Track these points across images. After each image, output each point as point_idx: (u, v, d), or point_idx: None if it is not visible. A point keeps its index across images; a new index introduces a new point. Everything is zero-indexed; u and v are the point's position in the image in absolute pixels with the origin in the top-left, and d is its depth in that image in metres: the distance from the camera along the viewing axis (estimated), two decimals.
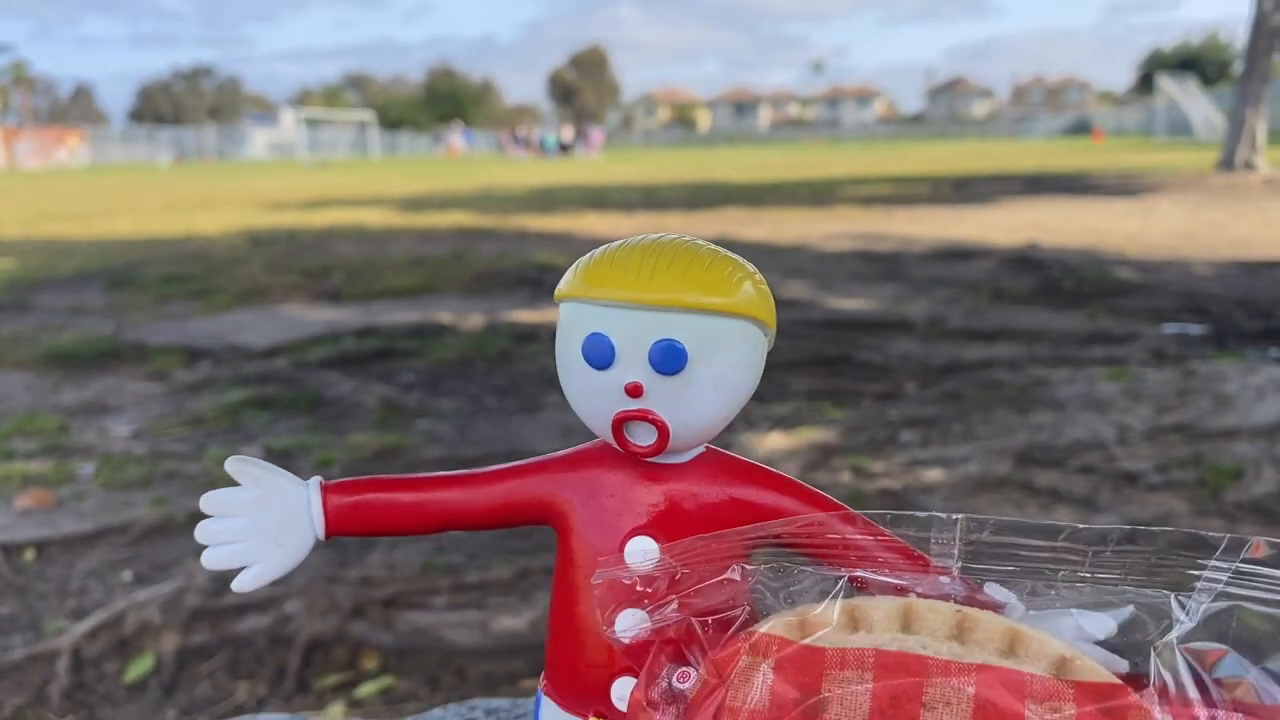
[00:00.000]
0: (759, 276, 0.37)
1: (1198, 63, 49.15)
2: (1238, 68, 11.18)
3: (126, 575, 1.71)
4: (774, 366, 2.35)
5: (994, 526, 0.32)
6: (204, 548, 0.40)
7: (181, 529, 1.89)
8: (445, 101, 59.28)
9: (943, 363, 2.89)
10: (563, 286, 0.37)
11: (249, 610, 1.59)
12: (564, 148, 33.65)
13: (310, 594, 1.62)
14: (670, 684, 0.32)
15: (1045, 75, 78.81)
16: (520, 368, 2.99)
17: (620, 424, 0.36)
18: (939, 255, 5.17)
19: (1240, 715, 0.29)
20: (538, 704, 0.40)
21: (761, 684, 0.31)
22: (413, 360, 3.09)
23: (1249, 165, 10.44)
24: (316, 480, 0.40)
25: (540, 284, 4.47)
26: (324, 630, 1.54)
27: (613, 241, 0.37)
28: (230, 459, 0.40)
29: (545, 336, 3.37)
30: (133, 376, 3.00)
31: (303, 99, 61.67)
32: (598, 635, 0.36)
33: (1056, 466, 2.07)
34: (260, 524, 0.40)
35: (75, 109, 60.05)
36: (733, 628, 0.32)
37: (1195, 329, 3.26)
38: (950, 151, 24.36)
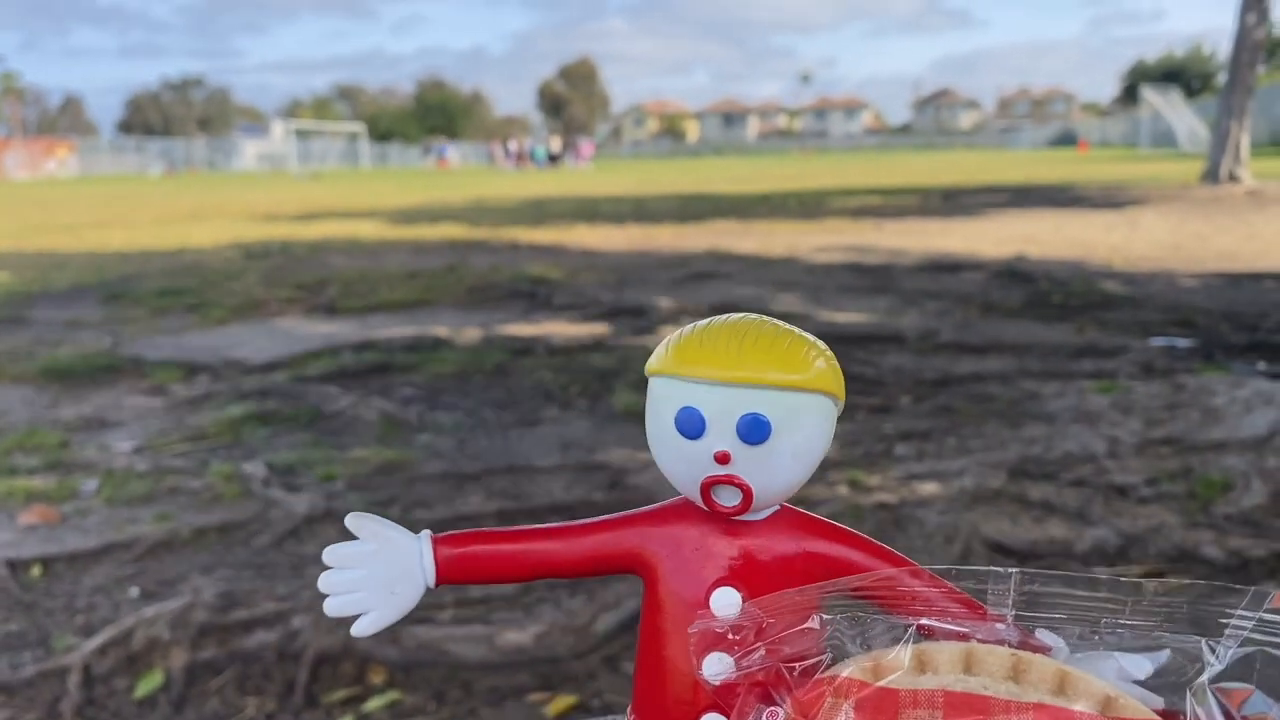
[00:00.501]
0: (830, 354, 0.41)
1: (1181, 74, 49.57)
2: (1221, 79, 11.32)
3: (134, 591, 1.73)
4: None
5: (1044, 579, 0.36)
6: (325, 596, 0.43)
7: (186, 544, 1.90)
8: (435, 113, 59.33)
9: (935, 376, 2.93)
10: (654, 363, 0.41)
11: (257, 626, 1.62)
12: (553, 158, 33.73)
13: (317, 609, 1.64)
14: None
15: (1030, 87, 79.22)
16: (517, 381, 3.01)
17: (709, 488, 0.40)
18: (929, 268, 5.22)
19: None
20: None
21: None
22: (411, 374, 3.11)
23: (1233, 177, 10.55)
24: (427, 534, 0.44)
25: (534, 297, 4.50)
26: (331, 645, 1.56)
27: (699, 321, 0.41)
28: (350, 515, 0.43)
29: (541, 350, 3.40)
30: (132, 391, 3.01)
31: (293, 110, 61.63)
32: (685, 676, 0.40)
33: (1049, 479, 2.10)
34: (377, 575, 0.43)
35: (64, 120, 59.88)
36: (814, 672, 0.36)
37: (1182, 342, 3.31)
38: (937, 162, 24.50)
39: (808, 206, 9.82)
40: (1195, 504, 1.97)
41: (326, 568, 0.43)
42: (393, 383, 3.03)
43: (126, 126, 60.37)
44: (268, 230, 8.29)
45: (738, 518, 0.41)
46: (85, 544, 1.89)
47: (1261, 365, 2.96)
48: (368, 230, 8.24)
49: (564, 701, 1.41)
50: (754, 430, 0.38)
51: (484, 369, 3.15)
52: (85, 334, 3.90)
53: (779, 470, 0.39)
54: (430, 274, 5.38)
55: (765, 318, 0.41)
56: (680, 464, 0.40)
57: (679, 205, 10.47)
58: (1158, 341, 3.33)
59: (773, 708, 0.36)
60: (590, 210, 10.01)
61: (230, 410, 2.73)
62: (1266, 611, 0.34)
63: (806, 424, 0.39)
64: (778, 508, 0.43)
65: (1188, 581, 0.35)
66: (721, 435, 0.39)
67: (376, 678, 1.51)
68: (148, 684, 1.48)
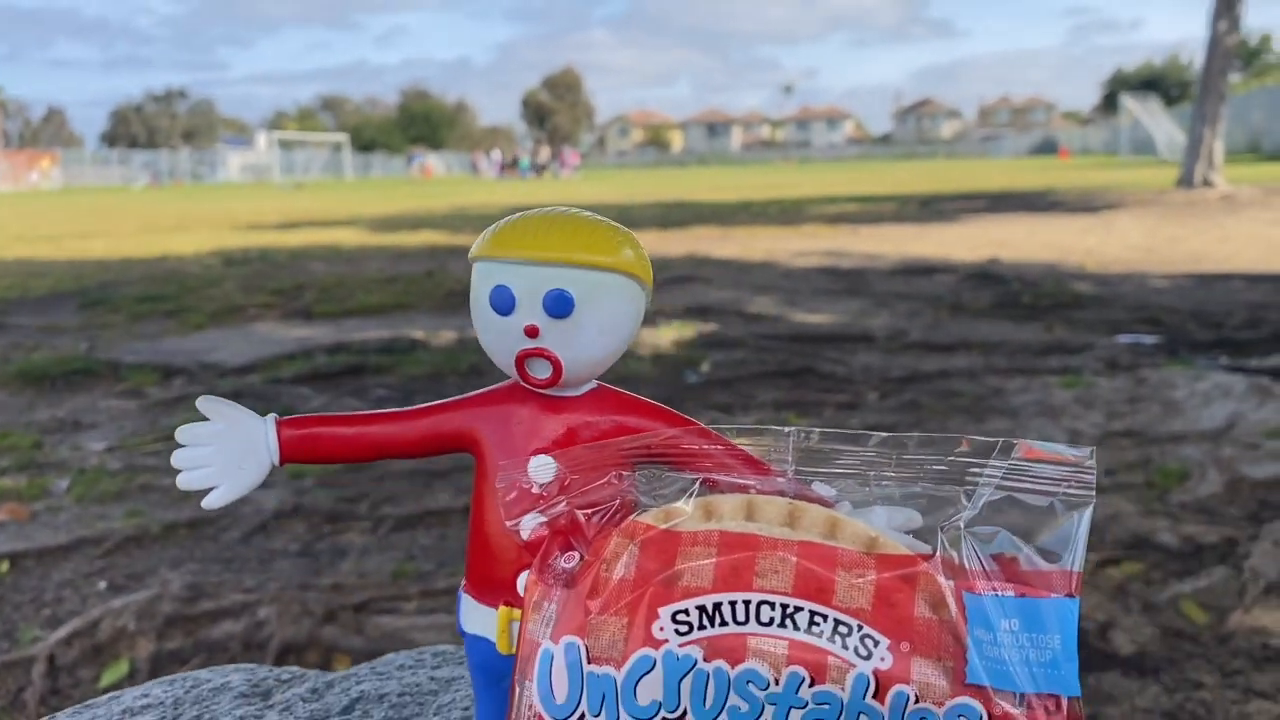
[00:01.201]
0: (637, 243, 0.45)
1: (1160, 83, 50.04)
2: (1198, 87, 11.44)
3: (101, 585, 1.74)
4: (740, 378, 2.44)
5: (820, 436, 0.40)
6: (177, 476, 0.47)
7: (156, 540, 1.92)
8: (419, 123, 59.32)
9: (903, 374, 2.97)
10: (474, 249, 0.45)
11: (223, 617, 1.63)
12: (539, 169, 33.77)
13: (282, 600, 1.66)
14: (559, 564, 0.40)
15: (1011, 96, 79.81)
16: (491, 381, 3.03)
17: (521, 360, 0.44)
18: (902, 271, 5.28)
19: (1011, 583, 0.36)
20: (459, 601, 0.48)
21: (629, 560, 0.38)
22: (385, 376, 3.13)
23: (1207, 182, 10.67)
24: (273, 416, 0.47)
25: None
26: (296, 635, 1.58)
27: (516, 212, 0.45)
28: (201, 398, 0.47)
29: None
30: (106, 394, 3.02)
31: (277, 121, 61.53)
32: (505, 538, 0.44)
33: None
34: (225, 451, 0.46)
35: (47, 132, 59.60)
36: (611, 520, 0.40)
37: (1148, 339, 3.36)
38: (918, 171, 24.66)
39: (787, 213, 9.89)
40: (1152, 493, 2.01)
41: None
42: (366, 384, 3.04)
43: (110, 139, 60.12)
44: (249, 239, 8.29)
45: (554, 392, 0.45)
46: (54, 540, 1.91)
47: (1223, 360, 3.01)
48: (348, 238, 8.25)
49: None
50: (559, 305, 0.42)
51: (458, 370, 3.17)
52: (62, 339, 3.90)
53: (585, 344, 0.43)
54: (408, 279, 5.40)
55: (579, 210, 0.45)
56: (495, 339, 0.44)
57: (661, 213, 10.52)
58: (1124, 339, 3.38)
59: (571, 552, 0.39)
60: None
61: None
62: (1015, 461, 0.37)
63: (609, 301, 0.43)
64: (595, 385, 0.46)
65: (946, 435, 0.39)
66: (530, 310, 0.42)
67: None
68: (113, 673, 1.49)
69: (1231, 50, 10.92)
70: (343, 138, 39.64)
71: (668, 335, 3.57)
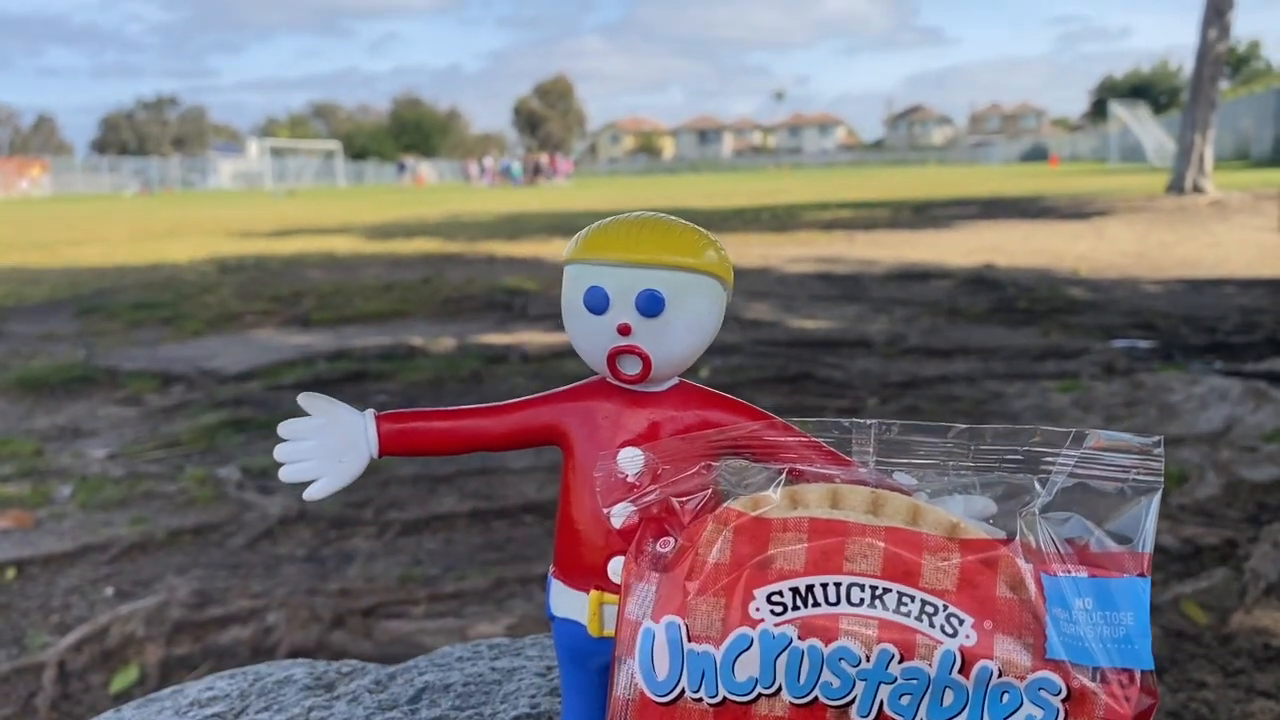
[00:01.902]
0: (721, 247, 0.47)
1: (1149, 90, 50.32)
2: (1187, 94, 11.51)
3: (108, 591, 1.74)
4: (740, 384, 2.45)
5: (900, 429, 0.43)
6: (280, 469, 0.48)
7: (161, 546, 1.92)
8: (411, 130, 59.31)
9: (902, 379, 2.99)
10: (568, 252, 0.47)
11: (231, 622, 1.64)
12: (537, 170, 33.83)
13: (291, 605, 1.67)
14: (655, 549, 0.42)
15: (1001, 103, 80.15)
16: (491, 387, 3.05)
17: (613, 357, 0.46)
18: (898, 276, 5.30)
19: (1084, 565, 0.39)
20: (549, 586, 0.49)
21: (724, 545, 0.41)
22: (385, 382, 3.14)
23: (1197, 188, 10.73)
24: (371, 410, 0.49)
25: (510, 307, 4.54)
26: (305, 640, 1.59)
27: (605, 218, 0.47)
28: (302, 394, 0.49)
29: (515, 358, 3.43)
30: (106, 401, 3.02)
31: (268, 129, 61.44)
32: (597, 525, 0.46)
33: None
34: (326, 445, 0.48)
35: (37, 140, 59.43)
36: (703, 508, 0.42)
37: (1143, 344, 3.38)
38: (910, 177, 24.75)
39: (781, 220, 9.92)
40: None
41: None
42: (367, 390, 3.05)
43: (101, 146, 59.99)
44: (243, 246, 8.29)
45: (641, 388, 0.47)
46: (60, 547, 1.91)
47: (1218, 364, 3.04)
48: (343, 245, 8.25)
49: None
50: (651, 304, 0.44)
51: (458, 376, 3.18)
52: (60, 346, 3.90)
53: (674, 341, 0.45)
54: (405, 286, 5.40)
55: (664, 214, 0.47)
56: (589, 338, 0.46)
57: None
58: (1119, 343, 3.40)
59: (665, 538, 0.41)
60: (567, 224, 10.05)
61: (205, 418, 2.74)
62: (1086, 450, 0.39)
63: (696, 301, 0.45)
64: (677, 381, 0.48)
65: (1020, 427, 0.41)
66: (623, 309, 0.45)
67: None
68: (123, 679, 1.50)
69: (1221, 57, 10.99)
70: (335, 145, 39.62)
71: None
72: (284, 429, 0.48)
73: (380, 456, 0.48)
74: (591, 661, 0.46)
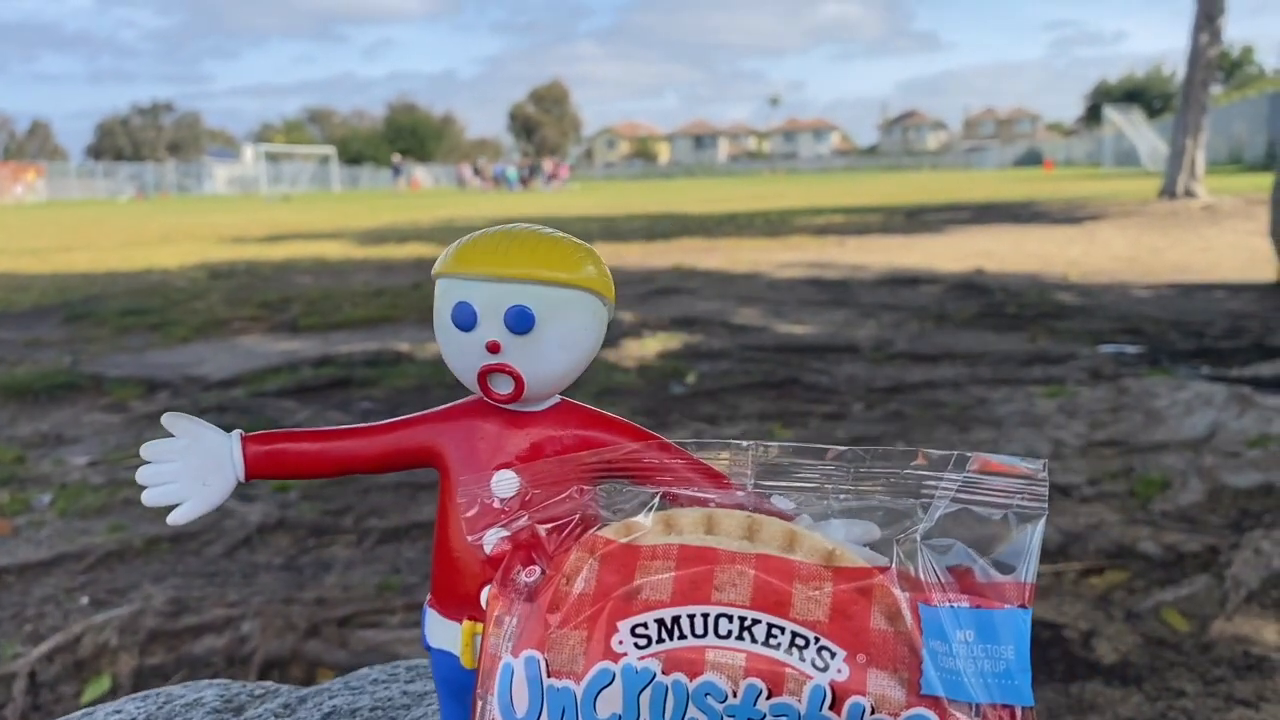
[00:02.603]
0: (599, 259, 0.46)
1: (1143, 94, 50.47)
2: (1180, 99, 11.54)
3: (83, 600, 1.73)
4: (726, 389, 2.44)
5: (778, 450, 0.41)
6: (143, 492, 0.47)
7: (139, 554, 1.91)
8: (406, 135, 59.32)
9: (888, 384, 2.98)
10: (437, 266, 0.45)
11: (206, 631, 1.63)
12: (532, 173, 33.85)
13: (266, 614, 1.65)
14: (520, 579, 0.40)
15: (996, 108, 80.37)
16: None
17: (484, 376, 0.44)
18: (887, 282, 5.30)
19: (966, 595, 0.37)
20: (424, 616, 0.48)
21: (589, 574, 0.39)
22: (370, 389, 3.13)
23: (1189, 193, 10.76)
24: (238, 432, 0.47)
25: None
26: (280, 650, 1.58)
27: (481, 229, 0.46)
28: (166, 415, 0.47)
29: None
30: (90, 408, 3.01)
31: (263, 134, 61.41)
32: (469, 553, 0.44)
33: None
34: (190, 467, 0.46)
35: (32, 145, 59.36)
36: (572, 535, 0.41)
37: (1131, 349, 3.38)
38: (903, 182, 24.80)
39: (773, 225, 9.92)
40: (1135, 502, 2.02)
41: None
42: (351, 397, 3.04)
43: (96, 151, 59.92)
44: (234, 252, 8.27)
45: (517, 407, 0.45)
46: (36, 555, 1.90)
47: (1205, 369, 3.03)
48: (334, 250, 8.24)
49: None
50: (520, 321, 0.43)
51: (445, 382, 3.17)
52: (45, 353, 3.88)
53: (547, 360, 0.44)
54: (395, 291, 5.39)
55: (541, 227, 0.45)
56: (458, 355, 0.45)
57: (647, 224, 10.54)
58: (1106, 349, 3.40)
59: (532, 566, 0.39)
60: (560, 230, 10.04)
61: None
62: (969, 474, 0.38)
63: (570, 317, 0.44)
64: (558, 400, 0.47)
65: (902, 449, 0.39)
66: (491, 326, 0.43)
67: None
68: (95, 689, 1.48)
69: (1213, 62, 11.02)
70: (330, 150, 39.60)
71: (653, 347, 3.58)
72: (146, 450, 0.46)
73: (247, 480, 0.47)
74: (468, 694, 0.44)
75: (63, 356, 3.79)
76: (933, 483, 0.39)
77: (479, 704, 0.39)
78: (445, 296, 0.44)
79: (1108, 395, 2.75)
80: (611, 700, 0.37)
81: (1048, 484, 0.38)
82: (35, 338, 4.24)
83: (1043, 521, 0.38)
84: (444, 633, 0.46)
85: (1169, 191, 10.99)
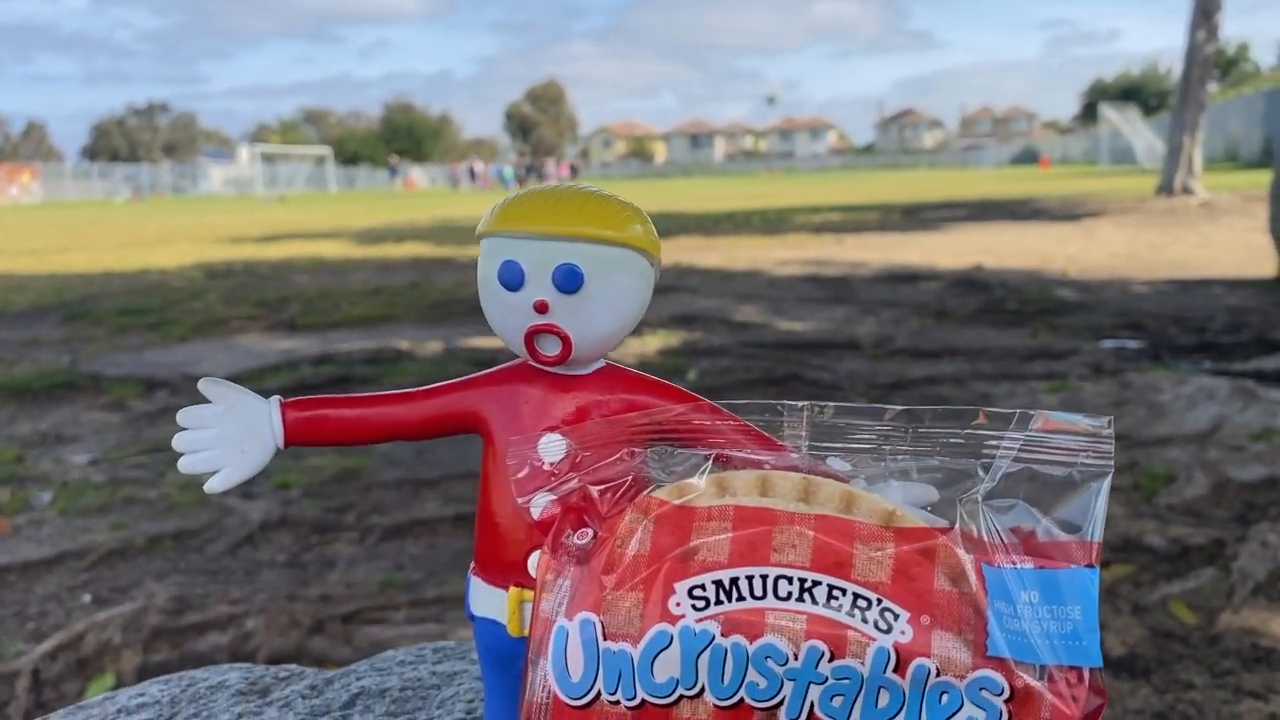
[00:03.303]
0: (646, 218, 0.44)
1: (1139, 92, 50.52)
2: (1177, 96, 11.55)
3: (86, 598, 1.72)
4: (726, 386, 2.43)
5: (834, 411, 0.40)
6: (179, 459, 0.46)
7: (141, 552, 1.90)
8: (403, 135, 59.26)
9: (889, 380, 2.98)
10: (482, 225, 0.44)
11: (209, 629, 1.62)
12: (529, 172, 33.86)
13: (270, 611, 1.65)
14: (572, 542, 0.39)
15: (992, 106, 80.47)
16: None
17: (531, 337, 0.43)
18: (887, 279, 5.30)
19: (1030, 555, 0.36)
20: (468, 584, 0.46)
21: (644, 535, 0.38)
22: (370, 387, 3.12)
23: (1186, 189, 10.77)
24: (276, 398, 0.46)
25: None
26: (284, 647, 1.57)
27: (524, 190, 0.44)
28: (203, 380, 0.46)
29: (503, 360, 3.41)
30: (90, 407, 3.00)
31: (259, 134, 61.34)
32: (516, 517, 0.43)
33: None
34: (228, 434, 0.45)
35: (27, 146, 59.25)
36: (624, 496, 0.40)
37: (1132, 344, 3.38)
38: (901, 180, 24.81)
39: (771, 223, 9.92)
40: (1140, 495, 2.02)
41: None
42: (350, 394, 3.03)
43: (92, 153, 59.82)
44: (231, 252, 8.26)
45: (563, 370, 0.44)
46: (38, 553, 1.89)
47: (1206, 364, 3.03)
48: (332, 250, 8.22)
49: None
50: (569, 279, 0.41)
51: (445, 379, 3.16)
52: (44, 352, 3.87)
53: (595, 320, 0.42)
54: (393, 291, 5.38)
55: (586, 185, 0.44)
56: (505, 316, 0.43)
57: None
58: (1108, 344, 3.40)
59: (584, 529, 0.38)
60: None
61: None
62: (1032, 432, 0.37)
63: (619, 277, 0.42)
64: (603, 364, 0.46)
65: (962, 408, 0.38)
66: (539, 285, 0.42)
67: None
68: (99, 687, 1.47)
69: (1210, 59, 11.03)
70: (326, 151, 39.55)
71: (653, 344, 3.57)
72: (184, 416, 0.45)
73: (286, 446, 0.46)
74: (514, 664, 0.43)
75: (61, 356, 3.78)
76: (994, 442, 0.38)
77: (530, 669, 0.38)
78: (491, 256, 0.43)
79: (1111, 390, 2.75)
80: (669, 663, 0.36)
81: (1113, 441, 0.37)
82: (33, 337, 4.23)
83: (1109, 480, 0.37)
84: (489, 601, 0.45)
85: (1166, 189, 11.00)
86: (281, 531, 1.99)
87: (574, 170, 37.04)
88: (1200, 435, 2.34)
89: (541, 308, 0.42)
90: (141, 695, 0.53)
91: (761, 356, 3.35)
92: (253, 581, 1.78)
